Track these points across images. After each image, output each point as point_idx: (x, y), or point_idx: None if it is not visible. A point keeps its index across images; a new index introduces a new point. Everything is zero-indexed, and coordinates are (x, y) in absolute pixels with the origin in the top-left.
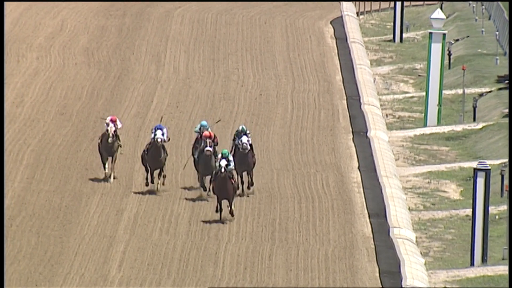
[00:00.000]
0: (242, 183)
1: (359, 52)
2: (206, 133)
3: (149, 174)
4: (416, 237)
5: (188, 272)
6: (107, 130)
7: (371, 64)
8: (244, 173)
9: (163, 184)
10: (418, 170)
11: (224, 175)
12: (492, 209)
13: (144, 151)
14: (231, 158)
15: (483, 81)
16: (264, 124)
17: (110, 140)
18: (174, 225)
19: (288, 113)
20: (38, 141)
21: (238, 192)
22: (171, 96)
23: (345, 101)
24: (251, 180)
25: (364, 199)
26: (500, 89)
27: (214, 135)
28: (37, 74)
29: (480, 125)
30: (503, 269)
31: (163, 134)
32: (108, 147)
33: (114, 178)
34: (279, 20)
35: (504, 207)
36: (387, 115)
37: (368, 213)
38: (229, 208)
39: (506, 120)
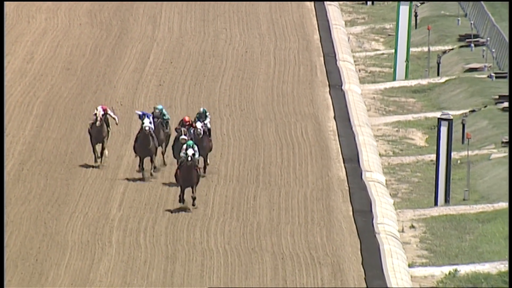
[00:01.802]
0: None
1: (335, 13)
2: (186, 118)
3: (140, 161)
4: (386, 180)
5: (181, 211)
6: (95, 114)
7: (345, 24)
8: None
9: (151, 174)
10: (388, 119)
11: (189, 164)
12: (454, 155)
13: (135, 139)
14: (196, 148)
15: (446, 39)
16: (249, 79)
17: (98, 123)
18: (169, 169)
19: (271, 69)
20: (46, 94)
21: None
22: (166, 53)
23: (322, 58)
24: (205, 164)
25: (339, 146)
26: (461, 46)
27: (191, 121)
28: (46, 33)
29: (443, 79)
30: (464, 209)
31: (151, 122)
32: (97, 132)
33: (102, 163)
34: None
35: (465, 153)
36: (360, 70)
37: (343, 158)
38: (192, 195)
39: (467, 74)
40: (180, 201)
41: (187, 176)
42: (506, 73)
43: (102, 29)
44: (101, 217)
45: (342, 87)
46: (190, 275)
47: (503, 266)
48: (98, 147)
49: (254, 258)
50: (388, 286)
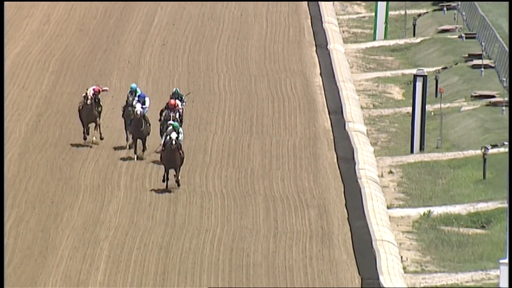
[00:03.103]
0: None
1: None
2: (172, 102)
3: (133, 142)
4: (367, 130)
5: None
6: (86, 94)
7: None
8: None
9: (141, 153)
10: (369, 76)
11: (174, 147)
12: (428, 107)
13: (129, 120)
14: (181, 130)
15: (421, 3)
16: (244, 39)
17: (88, 102)
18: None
19: (264, 30)
20: (61, 52)
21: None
22: (169, 16)
23: (309, 20)
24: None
25: (325, 99)
26: (434, 10)
27: (176, 104)
28: None
29: (419, 40)
30: (437, 156)
31: (143, 107)
32: (88, 112)
33: (95, 143)
34: None
35: (438, 106)
36: (343, 31)
37: (328, 110)
38: (175, 177)
39: (440, 35)
40: (163, 181)
41: (171, 158)
42: (475, 33)
43: None
44: (111, 164)
45: (328, 47)
46: (190, 215)
47: (472, 208)
48: (91, 126)
49: (248, 200)
50: (369, 225)
